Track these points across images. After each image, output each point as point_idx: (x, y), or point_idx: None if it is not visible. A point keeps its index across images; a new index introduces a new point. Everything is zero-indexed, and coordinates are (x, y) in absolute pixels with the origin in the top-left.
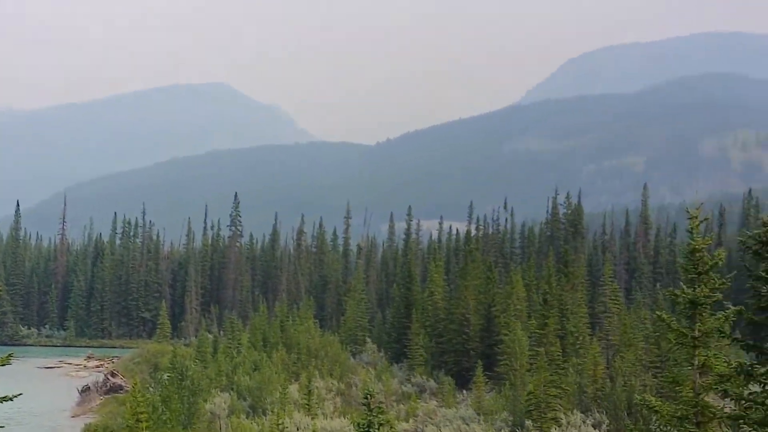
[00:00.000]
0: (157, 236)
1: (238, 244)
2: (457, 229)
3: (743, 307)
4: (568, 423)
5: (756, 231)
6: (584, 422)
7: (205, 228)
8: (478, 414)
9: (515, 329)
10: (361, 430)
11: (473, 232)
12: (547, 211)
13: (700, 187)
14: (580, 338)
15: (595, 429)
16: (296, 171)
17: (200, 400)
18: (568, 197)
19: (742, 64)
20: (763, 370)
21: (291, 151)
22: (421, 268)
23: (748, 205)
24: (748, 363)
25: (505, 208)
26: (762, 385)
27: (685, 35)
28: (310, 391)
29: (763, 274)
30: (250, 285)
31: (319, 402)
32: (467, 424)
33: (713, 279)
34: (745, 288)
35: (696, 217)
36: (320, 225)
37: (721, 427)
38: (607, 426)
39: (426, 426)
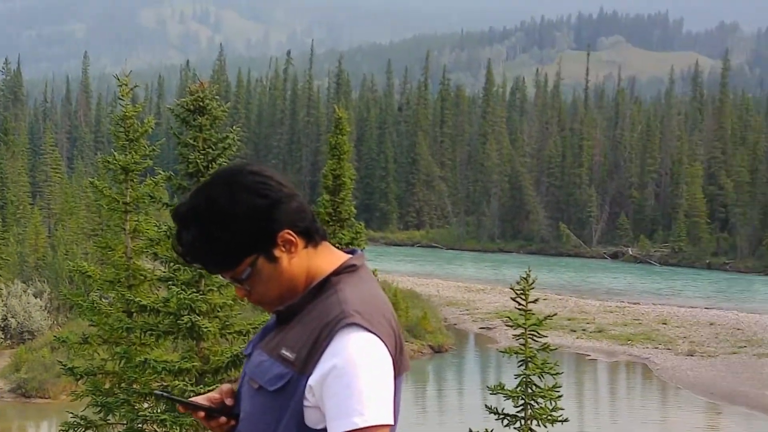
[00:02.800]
0: None
1: None
2: None
3: (173, 173)
4: (9, 293)
5: (184, 99)
6: (25, 292)
7: None
8: None
9: None
10: None
11: None
12: None
13: (140, 58)
14: (21, 207)
15: (36, 298)
16: None
17: None
18: (7, 63)
19: None
20: None
21: None
22: None
23: (186, 76)
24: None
25: None
26: None
27: None
28: None
29: (191, 141)
30: None
31: None
32: None
33: (144, 146)
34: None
35: (126, 84)
36: None
37: (152, 289)
38: (48, 294)
39: None
